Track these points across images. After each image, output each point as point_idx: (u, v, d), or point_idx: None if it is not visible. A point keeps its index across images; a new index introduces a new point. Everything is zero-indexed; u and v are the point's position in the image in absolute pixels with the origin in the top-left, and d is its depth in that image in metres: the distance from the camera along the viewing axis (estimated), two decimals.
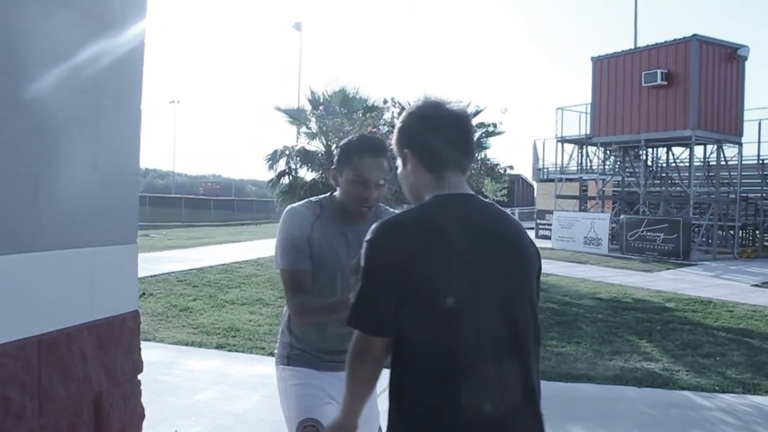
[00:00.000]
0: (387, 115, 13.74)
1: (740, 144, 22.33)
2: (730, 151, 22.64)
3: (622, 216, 22.51)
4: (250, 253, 17.86)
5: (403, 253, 1.70)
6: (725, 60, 21.32)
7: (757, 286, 14.46)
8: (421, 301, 1.68)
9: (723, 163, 22.84)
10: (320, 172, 15.22)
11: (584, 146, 25.88)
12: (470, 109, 13.47)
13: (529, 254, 1.86)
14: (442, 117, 1.94)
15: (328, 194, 2.68)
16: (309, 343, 2.67)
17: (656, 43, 21.96)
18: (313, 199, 2.69)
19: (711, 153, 23.31)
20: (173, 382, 5.99)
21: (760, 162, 23.43)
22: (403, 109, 12.08)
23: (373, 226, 1.81)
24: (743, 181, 22.86)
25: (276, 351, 2.82)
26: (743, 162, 22.63)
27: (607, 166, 25.52)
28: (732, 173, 22.67)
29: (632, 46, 24.04)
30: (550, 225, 24.58)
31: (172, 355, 6.95)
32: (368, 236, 1.79)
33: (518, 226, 1.90)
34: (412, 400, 1.70)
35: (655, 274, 16.17)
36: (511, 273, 1.78)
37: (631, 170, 24.27)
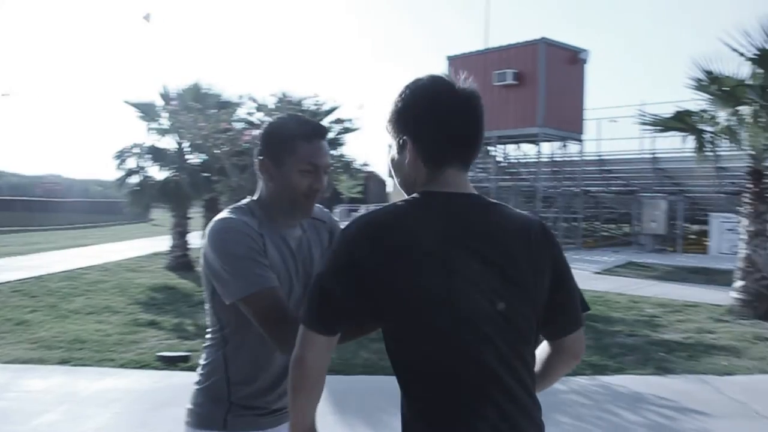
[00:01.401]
0: (242, 111, 13.32)
1: (582, 141, 23.73)
2: (573, 147, 23.99)
3: None
4: (96, 257, 16.88)
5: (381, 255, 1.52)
6: (569, 62, 22.54)
7: (598, 273, 15.39)
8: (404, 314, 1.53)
9: (567, 158, 24.16)
10: (174, 170, 14.60)
11: None
12: (326, 106, 13.37)
13: (532, 260, 1.59)
14: (453, 100, 1.63)
15: (247, 199, 2.08)
16: (253, 391, 2.03)
17: (507, 45, 22.87)
18: (236, 206, 2.06)
19: (557, 149, 24.57)
20: (7, 406, 5.42)
21: (600, 158, 25.00)
22: (261, 107, 11.76)
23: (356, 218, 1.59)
24: (585, 175, 24.29)
25: (190, 406, 2.06)
26: (585, 158, 24.04)
27: None
28: (575, 168, 24.02)
29: (484, 46, 24.90)
30: None
31: (6, 376, 6.31)
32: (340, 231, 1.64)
33: (527, 228, 1.63)
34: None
35: None
36: (509, 283, 1.54)
37: (483, 166, 25.13)
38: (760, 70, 8.85)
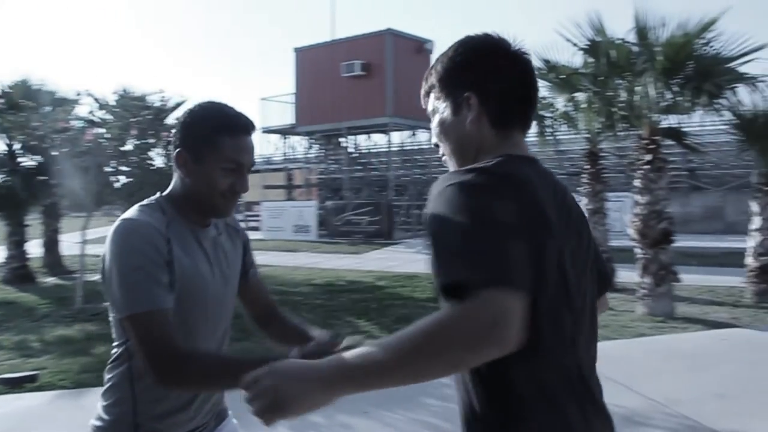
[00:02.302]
0: (82, 109, 12.47)
1: (430, 129, 24.33)
2: (422, 136, 24.61)
3: (328, 202, 23.31)
4: None
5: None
6: (415, 52, 23.06)
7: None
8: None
9: (417, 147, 24.75)
10: (4, 174, 13.45)
11: (289, 136, 26.34)
12: (171, 102, 12.86)
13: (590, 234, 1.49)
14: (517, 58, 1.47)
15: (158, 195, 1.85)
16: (164, 411, 1.79)
17: (354, 36, 23.03)
18: (145, 203, 1.81)
19: (407, 138, 25.12)
20: None
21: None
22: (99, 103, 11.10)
23: (455, 173, 1.30)
24: (434, 163, 24.97)
25: (96, 423, 1.83)
26: (433, 146, 24.72)
27: (311, 155, 26.23)
28: (425, 156, 24.66)
29: (331, 38, 24.94)
30: (259, 216, 24.66)
31: None
32: (444, 183, 1.27)
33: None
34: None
35: (364, 255, 16.98)
36: (587, 256, 1.42)
37: (335, 157, 25.23)
38: (591, 60, 9.46)
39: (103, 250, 1.70)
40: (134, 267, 1.63)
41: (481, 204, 1.21)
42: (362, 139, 26.24)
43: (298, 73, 24.09)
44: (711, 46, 8.56)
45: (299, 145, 26.81)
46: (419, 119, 23.43)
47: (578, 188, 11.27)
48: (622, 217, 10.19)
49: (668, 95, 8.65)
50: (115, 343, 1.82)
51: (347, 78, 22.39)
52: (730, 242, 14.78)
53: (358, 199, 23.37)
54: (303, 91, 23.86)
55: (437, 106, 1.53)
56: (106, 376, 1.84)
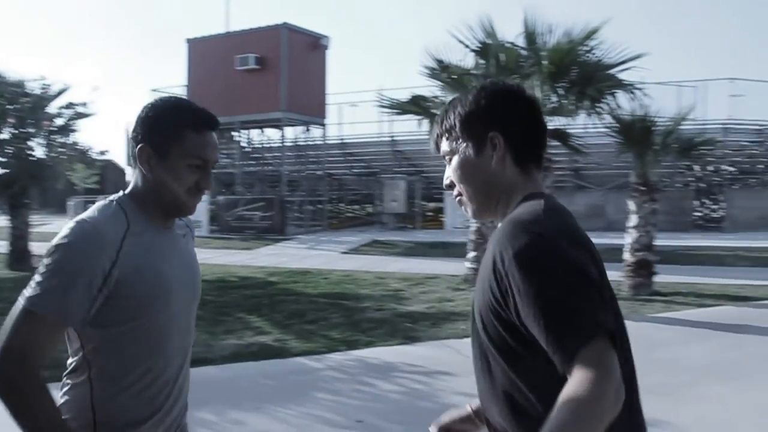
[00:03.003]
0: None
1: (325, 125, 24.36)
2: (316, 132, 24.56)
3: (219, 197, 22.90)
4: None
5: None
6: (311, 48, 22.96)
7: (345, 253, 15.99)
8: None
9: (311, 142, 24.67)
10: None
11: None
12: (55, 87, 12.28)
13: None
14: (530, 100, 1.57)
15: (120, 193, 1.76)
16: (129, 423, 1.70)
17: (249, 29, 22.68)
18: (105, 202, 1.71)
19: (300, 133, 25.00)
20: None
21: (342, 141, 25.88)
22: None
23: (522, 221, 1.34)
24: (328, 159, 24.99)
25: None
26: (327, 142, 24.72)
27: None
28: (319, 152, 24.61)
29: (225, 30, 24.46)
30: None
31: None
32: (524, 237, 1.30)
33: None
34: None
35: (256, 251, 16.79)
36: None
37: (227, 152, 24.79)
38: (482, 61, 9.75)
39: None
40: (60, 270, 1.56)
41: (568, 260, 1.28)
42: (255, 134, 25.94)
43: (190, 65, 23.49)
44: (593, 54, 9.02)
45: None
46: (313, 115, 23.37)
47: None
48: None
49: (554, 98, 9.05)
50: (71, 356, 1.69)
51: (241, 71, 22.03)
52: (611, 239, 15.53)
53: (251, 195, 23.08)
54: (195, 83, 23.27)
55: (456, 148, 1.55)
56: (62, 389, 1.71)
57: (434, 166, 24.77)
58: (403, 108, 12.08)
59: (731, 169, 24.40)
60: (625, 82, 9.15)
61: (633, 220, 10.24)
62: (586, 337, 1.19)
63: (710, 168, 22.94)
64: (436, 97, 11.46)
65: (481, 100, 1.53)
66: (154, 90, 25.29)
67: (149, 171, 1.71)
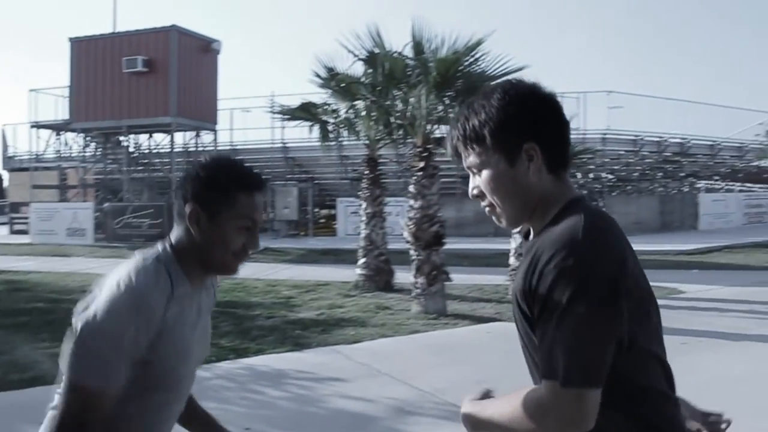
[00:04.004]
0: None
1: (216, 131, 23.98)
2: (207, 137, 24.11)
3: (106, 204, 22.11)
4: None
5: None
6: (202, 52, 22.52)
7: None
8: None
9: (201, 148, 24.19)
10: None
11: (63, 132, 24.59)
12: None
13: None
14: (553, 98, 1.51)
15: (161, 248, 1.70)
16: None
17: (137, 30, 21.99)
18: (148, 258, 1.66)
19: (190, 139, 24.46)
20: None
21: (233, 147, 25.52)
22: None
23: (569, 237, 1.34)
24: None
25: None
26: (219, 148, 24.33)
27: (87, 153, 24.67)
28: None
29: (112, 30, 23.63)
30: (28, 218, 22.79)
31: None
32: (570, 257, 1.31)
33: None
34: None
35: None
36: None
37: (114, 157, 23.96)
38: (370, 70, 9.90)
39: (92, 293, 1.58)
40: (108, 336, 1.54)
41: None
42: (144, 139, 25.15)
43: (73, 66, 22.51)
44: (478, 65, 9.33)
45: (74, 142, 25.08)
46: (204, 120, 22.95)
47: (358, 193, 11.72)
48: (400, 221, 10.76)
49: (440, 107, 9.29)
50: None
51: (129, 74, 21.32)
52: (499, 244, 16.06)
53: (139, 202, 22.38)
54: (79, 84, 22.34)
55: (486, 161, 1.49)
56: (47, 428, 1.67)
57: (326, 173, 24.87)
58: (293, 114, 12.10)
59: (610, 176, 25.80)
60: None
61: None
62: (581, 384, 1.28)
63: (591, 176, 24.14)
64: (326, 104, 11.55)
65: (509, 108, 1.46)
66: (33, 90, 24.16)
67: (198, 231, 1.68)
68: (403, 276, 10.11)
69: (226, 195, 1.67)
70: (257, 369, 6.33)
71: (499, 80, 9.17)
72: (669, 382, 1.46)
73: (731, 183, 28.87)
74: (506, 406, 1.39)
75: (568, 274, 1.30)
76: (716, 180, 29.23)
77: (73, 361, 1.54)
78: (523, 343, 1.50)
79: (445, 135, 10.25)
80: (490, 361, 6.57)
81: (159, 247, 1.70)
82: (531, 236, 1.55)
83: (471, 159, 1.51)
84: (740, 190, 28.18)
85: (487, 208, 1.54)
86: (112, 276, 1.62)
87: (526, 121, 1.45)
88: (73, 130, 23.68)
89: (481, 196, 1.53)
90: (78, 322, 1.58)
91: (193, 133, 23.87)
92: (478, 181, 1.52)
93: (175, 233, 1.72)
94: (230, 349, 6.91)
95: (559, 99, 1.52)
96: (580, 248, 1.32)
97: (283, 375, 6.14)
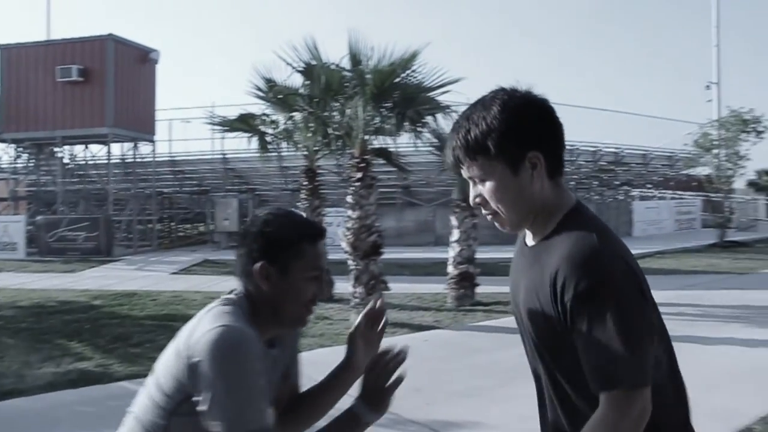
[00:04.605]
0: None
1: (154, 142, 23.59)
2: (145, 148, 23.70)
3: (39, 217, 21.51)
4: None
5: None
6: (139, 62, 22.15)
7: (175, 273, 15.58)
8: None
9: (139, 160, 23.78)
10: None
11: None
12: None
13: None
14: (549, 107, 1.58)
15: (236, 305, 1.69)
16: None
17: (72, 38, 21.49)
18: (227, 311, 1.65)
19: (128, 150, 24.00)
20: None
21: (172, 159, 25.17)
22: None
23: (581, 253, 1.44)
24: (158, 177, 24.21)
25: None
26: (157, 159, 23.95)
27: (19, 165, 23.96)
28: (148, 170, 23.79)
29: (46, 38, 23.05)
30: None
31: None
32: (597, 274, 1.42)
33: None
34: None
35: (80, 274, 15.94)
36: None
37: (47, 168, 23.35)
38: (308, 82, 9.95)
39: (186, 354, 1.58)
40: (253, 384, 1.55)
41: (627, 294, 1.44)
42: (79, 150, 24.57)
43: (4, 74, 21.83)
44: (415, 76, 9.47)
45: (5, 153, 24.34)
46: (141, 131, 22.57)
47: (297, 203, 11.72)
48: (338, 231, 10.80)
49: (377, 118, 9.39)
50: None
51: (63, 83, 20.81)
52: (439, 253, 16.26)
53: (74, 214, 21.84)
54: (10, 94, 21.68)
55: (490, 171, 1.54)
56: None
57: (267, 184, 24.73)
58: (232, 126, 12.03)
59: None
60: (442, 105, 9.69)
61: (455, 234, 10.78)
62: (634, 384, 1.39)
63: None
64: (265, 115, 11.53)
65: (511, 119, 1.51)
66: None
67: (269, 287, 1.69)
68: (343, 286, 10.15)
69: (294, 248, 1.69)
70: None
71: (436, 90, 9.41)
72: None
73: (663, 191, 29.80)
74: None
75: (602, 286, 1.41)
76: (649, 188, 30.13)
77: (221, 418, 1.53)
78: (534, 343, 1.61)
79: (383, 146, 10.40)
80: (427, 369, 6.66)
81: (229, 308, 1.67)
82: (527, 240, 1.65)
83: (474, 170, 1.56)
84: (672, 198, 29.12)
85: (489, 216, 1.60)
86: (205, 338, 1.58)
87: (528, 131, 1.52)
88: (3, 141, 22.96)
89: (483, 204, 1.58)
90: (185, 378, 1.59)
91: (131, 144, 23.43)
92: (481, 190, 1.57)
93: (240, 292, 1.73)
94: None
95: (552, 108, 1.58)
96: (602, 257, 1.43)
97: None
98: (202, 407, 1.55)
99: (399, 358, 1.80)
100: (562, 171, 1.59)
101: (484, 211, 1.60)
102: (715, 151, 23.22)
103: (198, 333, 1.59)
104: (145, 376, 5.92)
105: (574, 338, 1.43)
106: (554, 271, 1.45)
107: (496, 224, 1.61)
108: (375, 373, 1.82)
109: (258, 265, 1.67)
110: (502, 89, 1.58)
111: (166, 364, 1.66)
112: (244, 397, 1.54)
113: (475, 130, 1.52)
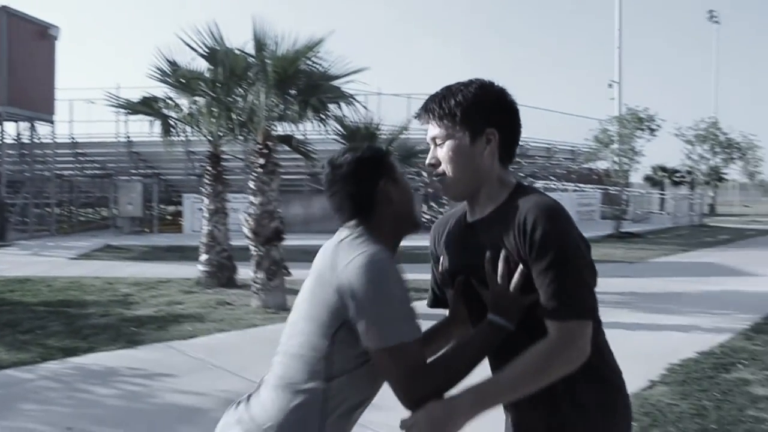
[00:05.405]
0: None
1: (53, 123, 22.62)
2: (44, 129, 22.71)
3: None
4: None
5: None
6: (37, 37, 21.13)
7: (74, 259, 15.10)
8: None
9: (37, 141, 22.79)
10: None
11: None
12: None
13: None
14: (515, 104, 1.83)
15: (362, 234, 1.85)
16: None
17: None
18: (361, 239, 1.82)
19: (24, 130, 22.95)
20: None
21: (73, 141, 24.26)
22: None
23: (546, 206, 1.68)
24: (57, 159, 23.30)
25: None
26: (57, 140, 23.02)
27: None
28: (46, 151, 22.85)
29: None
30: None
31: None
32: (559, 221, 1.67)
33: None
34: (606, 365, 1.82)
35: None
36: None
37: None
38: (211, 66, 9.84)
39: (336, 281, 1.74)
40: (403, 300, 1.72)
41: (574, 237, 1.72)
42: None
43: None
44: (320, 64, 9.50)
45: None
46: (39, 110, 21.61)
47: (201, 189, 11.59)
48: (240, 217, 10.75)
49: (281, 105, 9.39)
50: (308, 380, 1.78)
51: None
52: None
53: None
54: None
55: (451, 133, 1.78)
56: (291, 400, 1.78)
57: (172, 168, 24.22)
58: (134, 108, 11.75)
59: None
60: (346, 93, 9.76)
61: None
62: (582, 315, 1.63)
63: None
64: (169, 99, 11.31)
65: (484, 97, 1.77)
66: None
67: (395, 197, 1.89)
68: (246, 272, 10.14)
69: (389, 164, 1.93)
70: (86, 368, 6.17)
71: (340, 79, 9.49)
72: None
73: (566, 183, 30.88)
74: (517, 368, 1.64)
75: (562, 235, 1.66)
76: (553, 180, 31.17)
77: (375, 333, 1.69)
78: None
79: (288, 133, 10.41)
80: None
81: (360, 237, 1.83)
82: (468, 217, 1.88)
83: (438, 131, 1.80)
84: (574, 190, 30.23)
85: (438, 178, 1.82)
86: (360, 270, 1.73)
87: (494, 111, 1.78)
88: None
89: (435, 165, 1.82)
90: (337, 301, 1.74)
91: (27, 124, 22.42)
92: (438, 152, 1.81)
93: (354, 224, 1.89)
94: (58, 349, 6.68)
95: (516, 106, 1.84)
96: (562, 215, 1.68)
97: (113, 373, 6.04)
98: (359, 327, 1.70)
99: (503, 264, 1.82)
100: (511, 161, 1.84)
101: (433, 173, 1.83)
102: (613, 146, 24.30)
103: (342, 261, 1.75)
104: (32, 363, 5.77)
105: (535, 271, 1.65)
106: (523, 217, 1.67)
107: (441, 190, 1.84)
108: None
109: (381, 182, 1.88)
110: (486, 80, 1.85)
111: (313, 299, 1.82)
112: (398, 312, 1.70)
113: (450, 99, 1.77)
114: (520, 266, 1.68)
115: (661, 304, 9.39)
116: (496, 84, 1.83)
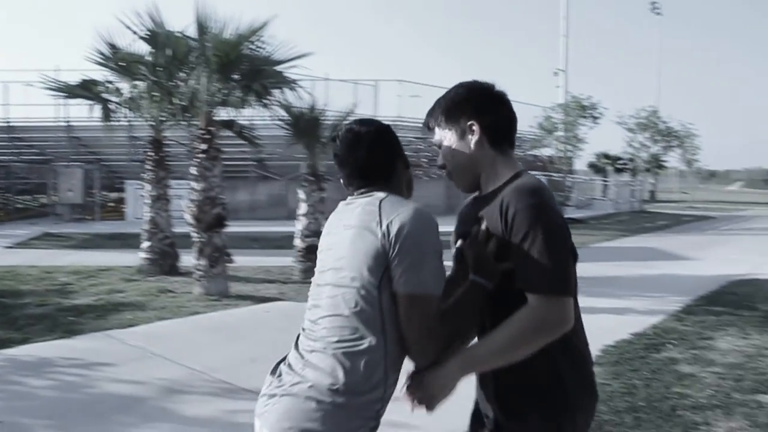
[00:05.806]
0: None
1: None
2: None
3: None
4: None
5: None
6: None
7: (10, 247, 14.67)
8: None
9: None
10: None
11: None
12: None
13: None
14: (499, 95, 2.00)
15: (392, 195, 2.00)
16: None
17: None
18: (397, 199, 1.98)
19: None
20: None
21: (9, 125, 23.49)
22: None
23: (530, 187, 1.83)
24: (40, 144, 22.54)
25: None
26: None
27: None
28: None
29: None
30: None
31: None
32: (534, 199, 1.80)
33: None
34: (579, 340, 1.95)
35: None
36: None
37: None
38: (153, 50, 9.64)
39: (397, 228, 1.84)
40: (440, 253, 1.88)
41: (562, 225, 1.84)
42: None
43: None
44: (262, 49, 9.38)
45: None
46: None
47: (142, 174, 11.38)
48: (182, 203, 10.59)
49: (223, 90, 9.25)
50: (367, 336, 1.85)
51: None
52: (291, 227, 16.33)
53: None
54: None
55: (444, 135, 2.02)
56: (354, 350, 1.84)
57: (114, 154, 23.66)
58: (72, 92, 11.44)
59: None
60: (288, 79, 9.68)
61: (303, 208, 10.86)
62: (564, 291, 1.78)
63: None
64: (109, 82, 11.06)
65: (458, 96, 2.00)
66: None
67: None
68: (187, 259, 10.02)
69: (397, 140, 2.11)
70: (19, 359, 6.02)
71: (284, 64, 9.40)
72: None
73: None
74: (500, 336, 1.79)
75: (537, 210, 1.79)
76: None
77: (414, 277, 1.82)
78: None
79: (231, 118, 10.28)
80: (265, 339, 6.78)
81: (395, 197, 1.97)
82: (478, 194, 2.06)
83: (436, 137, 2.06)
84: None
85: (447, 175, 2.06)
86: (408, 223, 1.86)
87: (472, 104, 1.97)
88: None
89: (443, 165, 2.06)
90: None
91: None
92: (441, 154, 2.05)
93: (373, 192, 2.01)
94: None
95: (505, 95, 2.01)
96: (540, 192, 1.82)
97: (48, 363, 5.91)
98: (397, 269, 1.83)
99: (481, 230, 1.95)
100: (505, 142, 2.00)
101: (444, 172, 2.07)
102: (557, 133, 24.69)
103: (390, 214, 1.87)
104: None
105: (514, 247, 1.80)
106: (502, 198, 1.86)
107: (454, 185, 2.08)
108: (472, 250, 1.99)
109: (400, 152, 2.09)
110: (474, 80, 2.06)
111: (356, 252, 1.88)
112: (435, 264, 1.86)
113: (437, 107, 2.04)
114: (495, 235, 1.85)
115: (599, 287, 9.61)
116: (477, 81, 2.04)
